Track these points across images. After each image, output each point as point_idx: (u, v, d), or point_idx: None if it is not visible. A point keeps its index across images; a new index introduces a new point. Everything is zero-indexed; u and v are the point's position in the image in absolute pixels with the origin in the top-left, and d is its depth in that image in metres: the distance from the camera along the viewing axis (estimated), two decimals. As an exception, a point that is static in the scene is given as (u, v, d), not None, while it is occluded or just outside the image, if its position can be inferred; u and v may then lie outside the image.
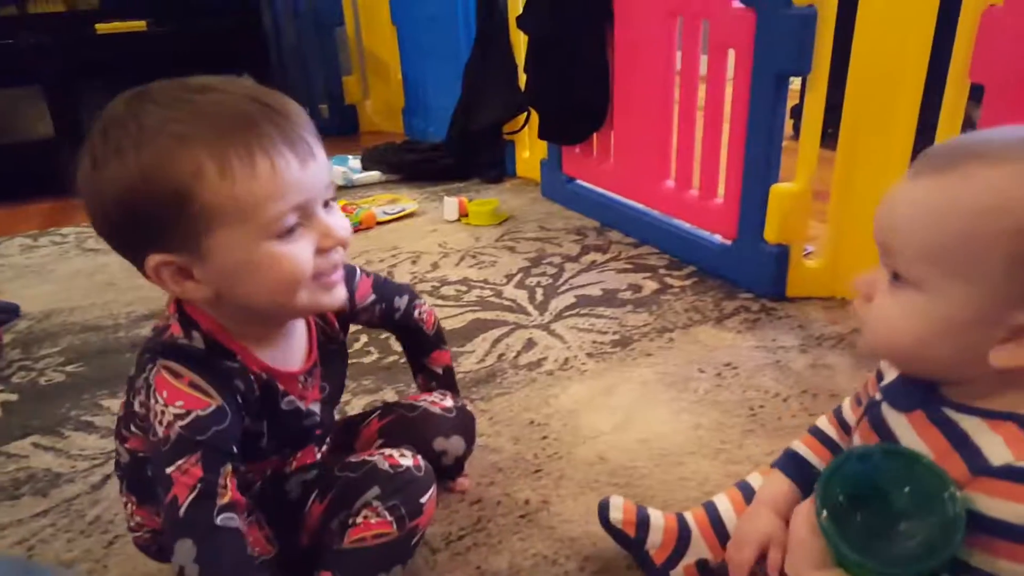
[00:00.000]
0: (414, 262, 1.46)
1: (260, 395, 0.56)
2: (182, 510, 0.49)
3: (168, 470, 0.50)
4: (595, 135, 1.57)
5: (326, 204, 0.53)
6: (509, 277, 1.36)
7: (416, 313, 0.73)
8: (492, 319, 1.19)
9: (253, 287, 0.51)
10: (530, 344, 1.11)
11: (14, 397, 1.04)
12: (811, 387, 0.97)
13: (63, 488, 0.84)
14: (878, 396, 0.53)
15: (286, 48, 2.51)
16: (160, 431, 0.50)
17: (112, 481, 0.85)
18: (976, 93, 0.92)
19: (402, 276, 1.40)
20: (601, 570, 0.69)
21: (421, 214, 1.75)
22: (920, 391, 0.49)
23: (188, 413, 0.50)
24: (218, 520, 0.49)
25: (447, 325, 1.17)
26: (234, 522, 0.50)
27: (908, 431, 0.49)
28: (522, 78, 1.69)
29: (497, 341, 1.13)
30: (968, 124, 1.03)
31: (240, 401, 0.54)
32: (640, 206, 1.50)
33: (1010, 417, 0.44)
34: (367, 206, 1.74)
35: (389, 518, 0.57)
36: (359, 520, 0.57)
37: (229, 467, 0.51)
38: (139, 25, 2.02)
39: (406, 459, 0.60)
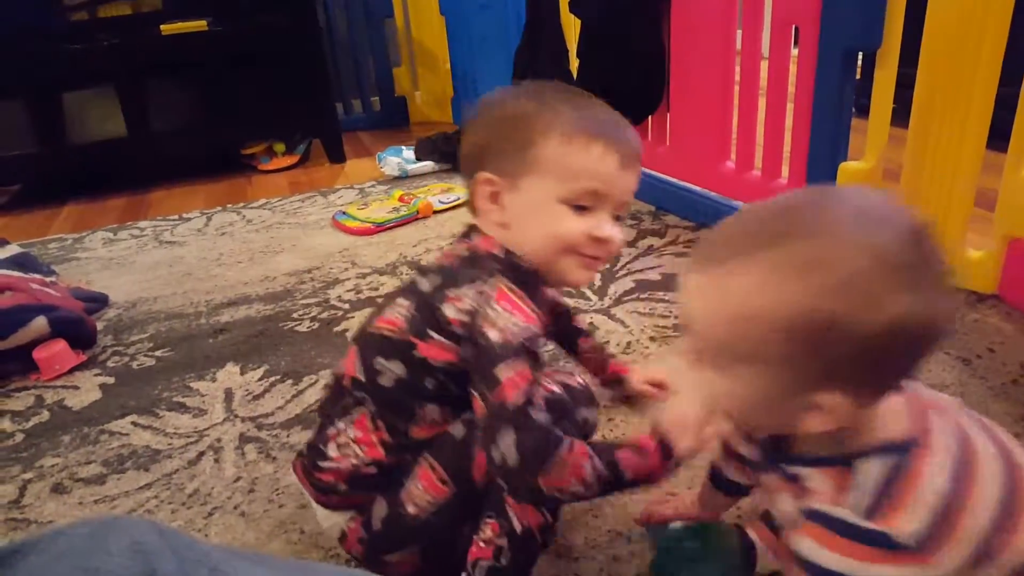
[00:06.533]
0: (473, 249, 1.49)
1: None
2: (511, 406, 0.55)
3: (500, 369, 0.55)
4: (650, 118, 1.57)
5: (617, 218, 0.64)
6: (568, 262, 1.37)
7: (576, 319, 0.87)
8: (553, 303, 1.21)
9: (531, 232, 0.62)
10: (591, 328, 1.13)
11: (111, 380, 1.11)
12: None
13: (163, 463, 0.90)
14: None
15: (337, 42, 2.56)
16: (495, 335, 0.57)
17: (206, 457, 0.90)
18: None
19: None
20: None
21: (477, 202, 1.77)
22: (770, 451, 0.52)
23: (527, 327, 0.58)
24: (539, 418, 0.55)
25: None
26: (544, 417, 0.56)
27: (773, 488, 0.51)
28: (573, 63, 1.69)
29: (560, 325, 1.14)
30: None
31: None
32: (698, 188, 1.49)
33: (838, 461, 0.46)
34: (423, 196, 1.77)
35: None
36: None
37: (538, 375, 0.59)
38: (200, 24, 2.08)
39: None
